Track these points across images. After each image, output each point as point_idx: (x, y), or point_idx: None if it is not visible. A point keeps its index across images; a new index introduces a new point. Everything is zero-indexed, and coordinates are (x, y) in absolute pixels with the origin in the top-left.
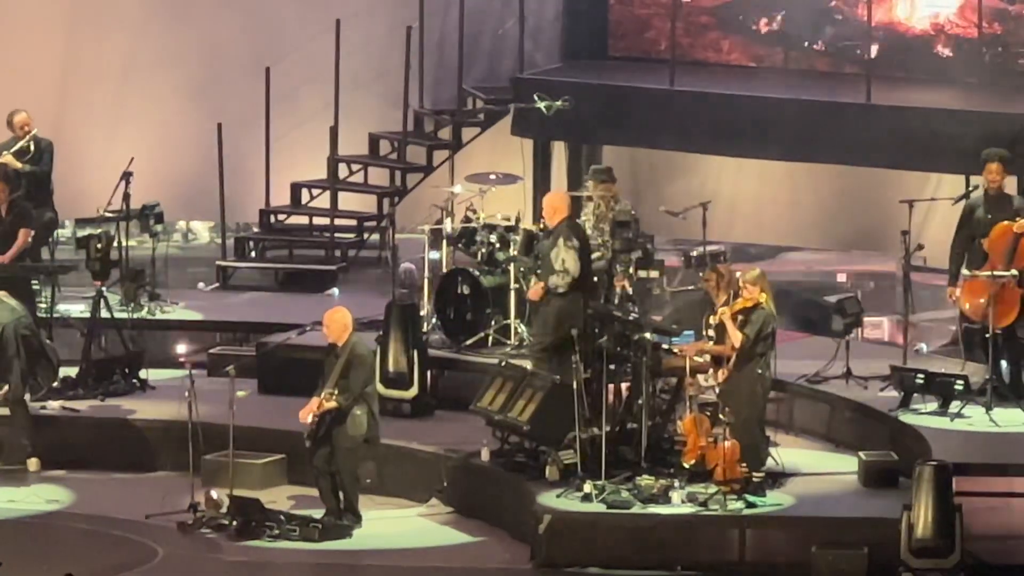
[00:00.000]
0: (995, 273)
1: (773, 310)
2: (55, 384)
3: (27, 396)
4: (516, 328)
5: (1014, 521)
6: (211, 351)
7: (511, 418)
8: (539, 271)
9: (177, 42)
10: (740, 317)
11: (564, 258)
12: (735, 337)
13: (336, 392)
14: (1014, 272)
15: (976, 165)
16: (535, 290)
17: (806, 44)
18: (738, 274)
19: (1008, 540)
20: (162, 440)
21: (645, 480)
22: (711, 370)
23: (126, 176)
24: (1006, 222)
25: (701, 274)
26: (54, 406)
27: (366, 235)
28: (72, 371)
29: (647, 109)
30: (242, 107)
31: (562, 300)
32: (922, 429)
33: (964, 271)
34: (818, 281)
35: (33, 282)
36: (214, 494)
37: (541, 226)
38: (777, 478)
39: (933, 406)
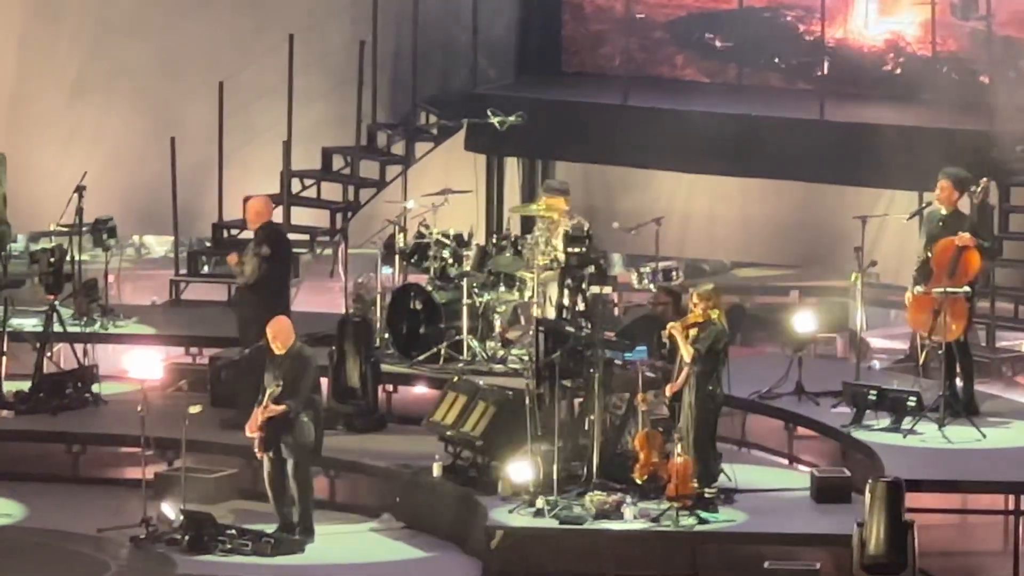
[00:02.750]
0: (948, 290)
1: (725, 326)
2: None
3: None
4: (468, 343)
5: (966, 537)
6: (165, 365)
7: (463, 433)
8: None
9: (130, 56)
10: (693, 332)
11: (247, 262)
12: (686, 352)
13: (281, 387)
14: (966, 289)
15: (929, 182)
16: (232, 256)
17: (760, 60)
18: (690, 290)
19: (960, 556)
20: (114, 454)
21: (597, 496)
22: (663, 386)
23: (79, 190)
24: (949, 237)
25: (653, 288)
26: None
27: (319, 250)
28: (25, 385)
29: (601, 125)
30: (195, 121)
31: (254, 303)
32: (874, 445)
33: (917, 288)
34: (771, 297)
35: None
36: (166, 508)
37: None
38: (729, 494)
39: (886, 422)
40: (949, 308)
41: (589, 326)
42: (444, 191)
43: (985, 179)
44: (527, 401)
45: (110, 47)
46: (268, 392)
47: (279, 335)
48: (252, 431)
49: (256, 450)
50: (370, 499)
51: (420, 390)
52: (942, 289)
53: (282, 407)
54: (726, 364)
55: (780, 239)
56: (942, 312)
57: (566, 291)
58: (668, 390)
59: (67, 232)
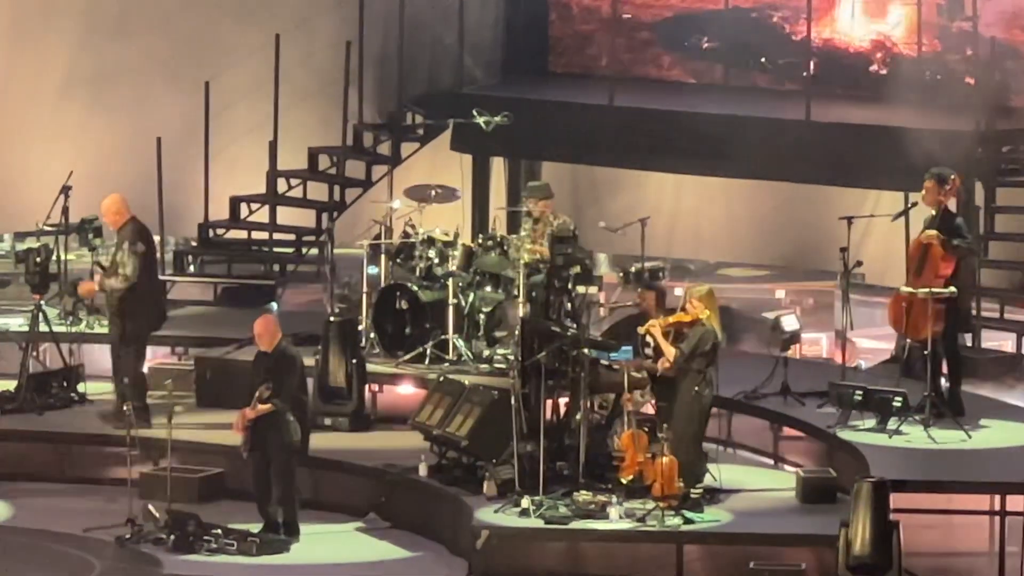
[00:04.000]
0: (934, 290)
1: (716, 328)
2: None
3: None
4: (454, 343)
5: (951, 538)
6: (150, 365)
7: (449, 433)
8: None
9: (117, 56)
10: (685, 331)
11: (126, 263)
12: (667, 351)
13: (270, 389)
14: (952, 290)
15: (915, 182)
16: (88, 285)
17: (747, 61)
18: (678, 290)
19: (946, 557)
20: (100, 454)
21: (583, 496)
22: (649, 386)
23: (65, 190)
24: (918, 236)
25: (638, 291)
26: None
27: (305, 250)
28: (10, 385)
29: (587, 125)
30: (181, 121)
31: (131, 297)
32: (860, 446)
33: (903, 288)
34: (756, 297)
35: None
36: (152, 508)
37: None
38: (715, 494)
39: (871, 423)
40: (917, 307)
41: (575, 326)
42: (433, 188)
43: (954, 176)
44: (513, 401)
45: (97, 47)
46: (256, 393)
47: (264, 333)
48: (239, 430)
49: (242, 449)
50: (356, 499)
51: (406, 390)
52: (928, 289)
53: (267, 406)
54: (716, 365)
55: (766, 239)
56: (911, 311)
57: (552, 291)
58: (659, 365)
59: (53, 232)
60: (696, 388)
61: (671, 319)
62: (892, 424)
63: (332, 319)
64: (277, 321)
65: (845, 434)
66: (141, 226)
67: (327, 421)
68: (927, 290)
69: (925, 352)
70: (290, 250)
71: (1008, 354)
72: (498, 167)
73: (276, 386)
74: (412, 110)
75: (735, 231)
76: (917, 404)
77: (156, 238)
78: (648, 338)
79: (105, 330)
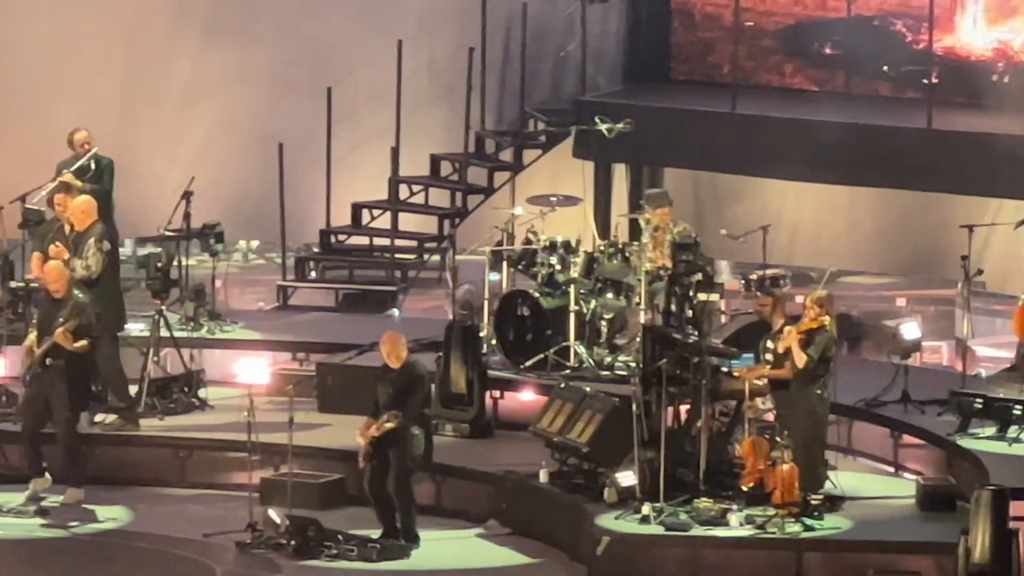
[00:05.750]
0: None
1: (835, 333)
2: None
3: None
4: (575, 350)
5: None
6: (274, 370)
7: (570, 440)
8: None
9: (239, 62)
10: (803, 338)
11: (92, 256)
12: (799, 358)
13: (396, 414)
14: None
15: None
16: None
17: (869, 69)
18: (800, 297)
19: None
20: (221, 459)
21: (703, 503)
22: (770, 393)
23: (187, 195)
24: None
25: (758, 295)
26: (109, 421)
27: (426, 256)
28: (132, 389)
29: (709, 132)
30: (303, 127)
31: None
32: (980, 454)
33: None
34: (878, 305)
35: None
36: (272, 513)
37: (69, 229)
38: (835, 502)
39: (991, 431)
40: None
41: (696, 333)
42: (556, 198)
43: None
44: (634, 408)
45: (219, 52)
46: (384, 417)
47: (392, 351)
48: (363, 439)
49: (360, 459)
50: (476, 505)
51: (527, 396)
52: None
53: (392, 424)
54: (833, 371)
55: (887, 247)
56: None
57: (673, 298)
58: (765, 372)
59: (175, 237)
60: (818, 391)
61: (803, 325)
62: (1012, 432)
63: (454, 325)
64: (403, 339)
65: (965, 442)
66: (107, 228)
67: (448, 427)
68: None
69: None
70: (412, 256)
71: None
72: (620, 174)
73: (401, 404)
74: (534, 117)
75: (856, 239)
76: None
77: (270, 243)
78: (769, 343)
79: (227, 335)
